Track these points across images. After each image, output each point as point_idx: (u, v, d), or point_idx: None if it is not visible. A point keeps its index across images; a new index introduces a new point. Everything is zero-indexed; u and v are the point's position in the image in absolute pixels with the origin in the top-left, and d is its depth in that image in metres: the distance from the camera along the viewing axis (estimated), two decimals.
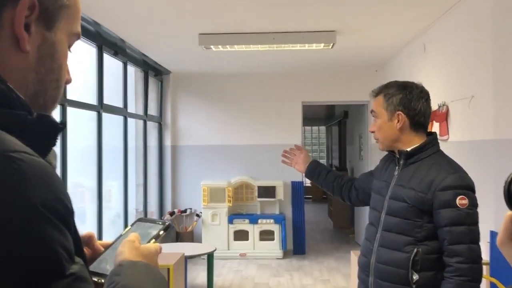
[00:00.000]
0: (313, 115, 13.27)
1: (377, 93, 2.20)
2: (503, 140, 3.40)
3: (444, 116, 4.39)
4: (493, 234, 3.27)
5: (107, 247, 0.99)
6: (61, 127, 0.77)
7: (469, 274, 1.91)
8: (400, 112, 2.11)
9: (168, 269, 4.09)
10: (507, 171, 0.90)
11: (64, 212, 0.69)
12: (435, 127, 4.47)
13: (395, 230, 2.06)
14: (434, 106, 2.24)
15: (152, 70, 7.29)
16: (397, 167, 2.16)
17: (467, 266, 1.91)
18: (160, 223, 1.03)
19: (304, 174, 2.64)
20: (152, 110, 7.53)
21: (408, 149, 2.12)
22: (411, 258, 1.99)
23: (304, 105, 7.96)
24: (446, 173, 1.99)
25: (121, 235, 1.01)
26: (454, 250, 1.93)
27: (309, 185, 12.10)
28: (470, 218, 1.96)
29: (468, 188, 1.99)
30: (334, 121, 12.87)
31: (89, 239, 0.99)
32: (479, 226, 1.99)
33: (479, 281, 1.96)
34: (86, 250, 0.97)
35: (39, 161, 0.69)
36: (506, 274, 3.09)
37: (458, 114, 4.19)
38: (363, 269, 2.19)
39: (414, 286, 1.98)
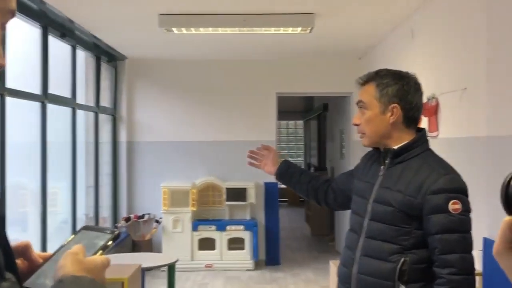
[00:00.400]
0: (289, 108, 13.31)
1: (365, 81, 2.19)
2: (497, 137, 3.46)
3: (433, 110, 4.45)
4: (486, 242, 3.33)
5: (46, 259, 0.97)
6: None
7: (461, 287, 1.94)
8: (395, 104, 2.12)
9: (123, 283, 4.04)
10: (501, 171, 0.90)
11: None
12: (423, 122, 4.52)
13: (379, 237, 2.07)
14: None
15: (105, 56, 7.20)
16: (382, 167, 2.16)
17: (459, 277, 1.94)
18: (109, 232, 1.02)
19: (274, 177, 2.63)
20: (105, 101, 7.44)
21: (396, 147, 2.13)
22: (398, 268, 2.00)
23: (279, 96, 7.98)
24: (437, 175, 2.01)
25: (63, 246, 0.99)
26: (445, 260, 1.95)
27: (285, 186, 12.13)
28: (463, 224, 1.98)
29: (461, 191, 2.01)
30: (313, 114, 12.95)
31: (24, 249, 0.96)
32: (471, 233, 2.02)
33: None
34: (21, 262, 0.94)
35: None
36: (500, 286, 3.15)
37: (448, 108, 4.25)
38: (344, 280, 2.20)
39: None
